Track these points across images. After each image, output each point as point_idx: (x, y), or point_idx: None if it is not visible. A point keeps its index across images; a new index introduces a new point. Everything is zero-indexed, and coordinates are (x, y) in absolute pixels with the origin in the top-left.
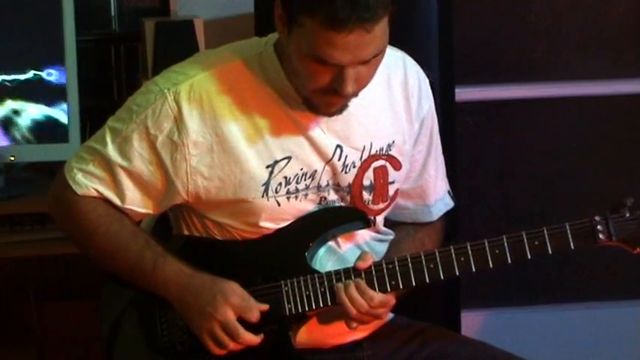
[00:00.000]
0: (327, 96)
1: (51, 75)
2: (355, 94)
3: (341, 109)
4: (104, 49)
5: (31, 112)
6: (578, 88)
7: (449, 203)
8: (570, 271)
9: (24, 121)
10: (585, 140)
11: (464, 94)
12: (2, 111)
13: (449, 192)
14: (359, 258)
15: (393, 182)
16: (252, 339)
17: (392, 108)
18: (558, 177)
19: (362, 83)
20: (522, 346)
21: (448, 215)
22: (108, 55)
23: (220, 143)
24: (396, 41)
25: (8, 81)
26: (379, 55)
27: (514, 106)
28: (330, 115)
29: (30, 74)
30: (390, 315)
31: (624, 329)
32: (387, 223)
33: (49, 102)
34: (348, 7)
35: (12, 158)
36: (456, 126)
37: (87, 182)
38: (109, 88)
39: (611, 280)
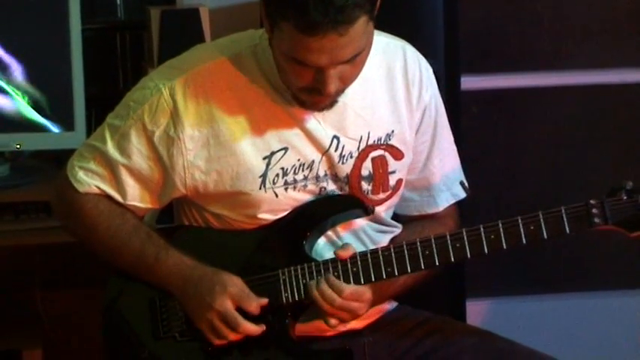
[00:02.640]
0: (312, 95)
1: (56, 63)
2: (341, 92)
3: (330, 104)
4: (110, 37)
5: (37, 99)
6: (583, 77)
7: (458, 194)
8: (575, 260)
9: (29, 109)
10: (591, 129)
11: (469, 82)
12: (7, 99)
13: (462, 183)
14: (340, 247)
15: (394, 172)
16: (253, 329)
17: (392, 97)
18: (563, 166)
19: (347, 81)
20: (527, 335)
21: (460, 209)
22: (113, 44)
23: (216, 136)
24: (401, 30)
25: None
26: (361, 53)
27: (519, 94)
28: (320, 110)
29: (35, 62)
30: (394, 304)
31: (629, 318)
32: (396, 219)
33: (55, 90)
34: (320, 11)
35: (17, 146)
36: (461, 114)
37: (88, 180)
38: (114, 77)
39: (617, 270)
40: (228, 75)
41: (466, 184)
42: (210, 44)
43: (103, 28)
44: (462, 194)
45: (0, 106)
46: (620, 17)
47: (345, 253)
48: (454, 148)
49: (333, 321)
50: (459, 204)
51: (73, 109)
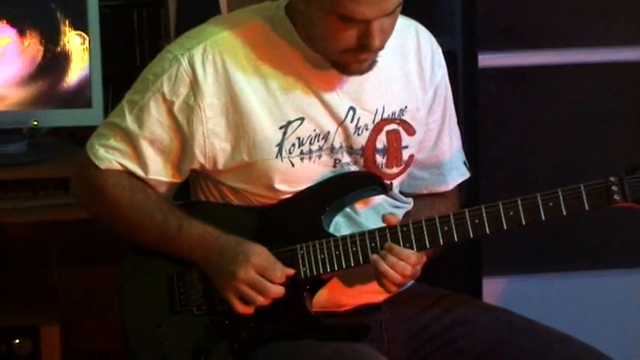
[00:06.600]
0: (357, 53)
1: (74, 40)
2: (382, 47)
3: (371, 65)
4: (127, 14)
5: (54, 77)
6: (602, 55)
7: (464, 173)
8: (592, 238)
9: (47, 86)
10: (609, 107)
11: (487, 60)
12: (25, 76)
13: (465, 163)
14: (388, 213)
15: (406, 147)
16: (279, 290)
17: (404, 74)
18: (582, 143)
19: (386, 35)
20: (544, 312)
21: (463, 187)
22: (130, 21)
23: (234, 104)
24: (419, 7)
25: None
26: (400, 5)
27: (537, 72)
28: (362, 72)
29: (53, 39)
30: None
31: None
32: (404, 195)
33: (72, 67)
34: None
35: (35, 123)
36: (479, 92)
37: (109, 156)
38: (131, 54)
39: (635, 248)
40: (246, 43)
41: (467, 164)
42: (227, 15)
43: (120, 5)
44: (467, 173)
45: (17, 82)
46: None
47: (395, 219)
48: (458, 128)
49: (394, 288)
50: (477, 181)
51: (91, 86)
